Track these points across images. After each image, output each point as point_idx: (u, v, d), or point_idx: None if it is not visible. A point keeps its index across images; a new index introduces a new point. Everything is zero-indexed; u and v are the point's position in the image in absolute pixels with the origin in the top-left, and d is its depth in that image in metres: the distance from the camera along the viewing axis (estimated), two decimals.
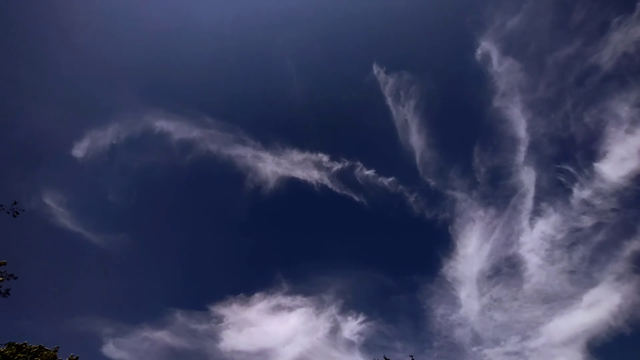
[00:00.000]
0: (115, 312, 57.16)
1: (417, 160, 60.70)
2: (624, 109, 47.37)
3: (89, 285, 58.52)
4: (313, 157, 61.89)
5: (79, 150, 55.73)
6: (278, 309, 57.63)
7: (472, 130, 60.94)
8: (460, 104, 61.54)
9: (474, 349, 50.89)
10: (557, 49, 51.70)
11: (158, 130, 59.48)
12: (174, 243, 64.91)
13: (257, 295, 58.24)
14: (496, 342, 50.43)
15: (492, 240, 55.46)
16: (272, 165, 62.02)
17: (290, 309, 57.70)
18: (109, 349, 50.59)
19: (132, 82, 61.30)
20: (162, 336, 53.76)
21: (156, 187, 63.06)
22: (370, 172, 61.15)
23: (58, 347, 21.55)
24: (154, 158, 61.52)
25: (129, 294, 61.09)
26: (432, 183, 60.39)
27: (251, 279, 66.25)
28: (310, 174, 62.38)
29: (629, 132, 47.06)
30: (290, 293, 59.94)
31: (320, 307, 58.22)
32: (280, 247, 68.89)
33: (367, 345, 53.96)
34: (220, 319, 55.31)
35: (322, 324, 56.06)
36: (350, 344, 54.61)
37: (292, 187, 64.84)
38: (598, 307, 46.59)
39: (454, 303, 56.11)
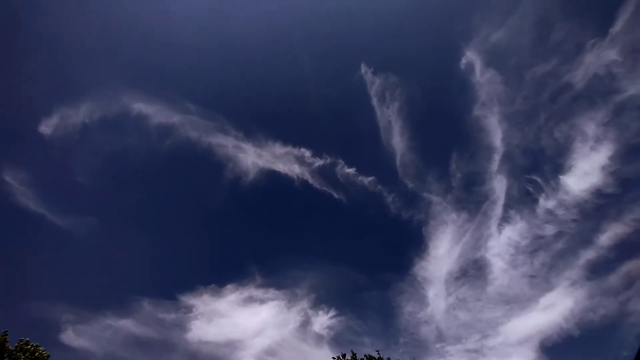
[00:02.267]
0: (77, 299, 54.78)
1: (397, 161, 61.89)
2: (590, 127, 50.40)
3: (49, 269, 55.74)
4: (295, 151, 61.64)
5: (47, 127, 52.51)
6: (250, 301, 57.35)
7: (451, 136, 62.85)
8: (442, 110, 63.20)
9: (437, 345, 53.06)
10: (535, 65, 54.06)
11: (136, 113, 57.05)
12: (145, 230, 62.87)
13: (229, 286, 57.64)
14: (458, 339, 52.79)
15: (462, 243, 57.71)
16: (253, 157, 61.23)
17: (262, 301, 57.57)
18: (67, 336, 48.49)
19: (110, 61, 58.42)
20: (127, 324, 52.18)
21: (130, 171, 60.69)
22: (351, 171, 61.74)
23: (7, 331, 20.45)
24: (129, 141, 59.06)
25: (93, 280, 58.68)
26: (410, 185, 61.85)
27: (224, 270, 65.43)
28: (291, 168, 62.15)
29: (593, 149, 50.17)
30: (263, 286, 59.80)
31: (292, 300, 58.49)
32: (256, 239, 68.40)
33: (336, 340, 54.90)
34: (189, 309, 54.32)
35: (293, 318, 56.39)
36: (319, 338, 55.36)
37: (273, 180, 64.37)
38: (552, 310, 49.77)
39: (422, 302, 58.13)
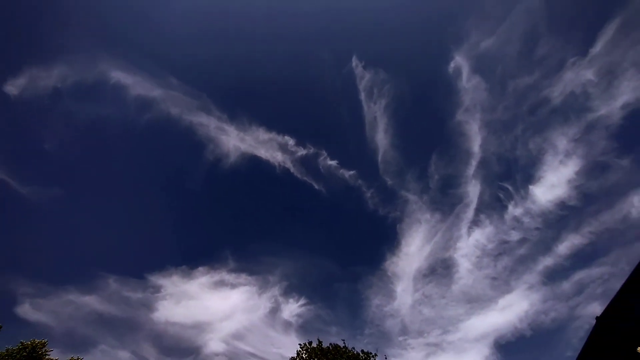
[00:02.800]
0: (37, 271, 52.51)
1: (379, 158, 62.81)
2: (562, 142, 53.21)
3: (8, 239, 52.78)
4: (279, 138, 61.02)
5: (14, 87, 49.00)
6: (221, 284, 57.10)
7: (433, 138, 64.33)
8: (427, 111, 64.39)
9: (400, 338, 55.39)
10: (519, 77, 55.98)
11: (114, 82, 54.24)
12: (115, 204, 60.59)
13: (200, 269, 57.06)
14: (420, 333, 55.33)
15: (433, 242, 59.93)
16: (236, 140, 60.05)
17: (234, 285, 57.49)
18: (23, 309, 46.56)
19: (89, 22, 54.79)
20: (90, 301, 50.67)
21: (103, 142, 57.94)
22: (333, 163, 62.04)
23: None
24: (104, 111, 56.22)
25: (55, 253, 56.27)
26: (390, 182, 63.10)
27: (197, 251, 64.61)
28: (274, 155, 61.56)
29: (562, 162, 53.06)
30: (236, 270, 59.64)
31: (264, 286, 58.80)
32: (232, 223, 67.75)
33: (304, 327, 55.96)
34: (157, 288, 53.38)
35: (264, 304, 56.83)
36: (287, 325, 56.20)
37: (254, 165, 63.60)
38: (509, 310, 53.12)
39: (390, 296, 60.20)
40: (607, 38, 47.35)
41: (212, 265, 60.38)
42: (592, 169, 52.28)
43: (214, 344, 51.86)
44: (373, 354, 21.82)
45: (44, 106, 52.10)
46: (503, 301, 54.71)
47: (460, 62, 56.48)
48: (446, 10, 56.92)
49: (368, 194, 63.79)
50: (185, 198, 63.85)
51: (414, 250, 60.87)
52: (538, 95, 54.54)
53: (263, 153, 61.32)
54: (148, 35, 56.87)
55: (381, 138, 62.22)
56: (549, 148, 53.92)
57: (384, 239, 69.28)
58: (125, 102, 55.58)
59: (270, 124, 62.29)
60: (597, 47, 48.44)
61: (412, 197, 61.96)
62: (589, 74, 49.68)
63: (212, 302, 56.62)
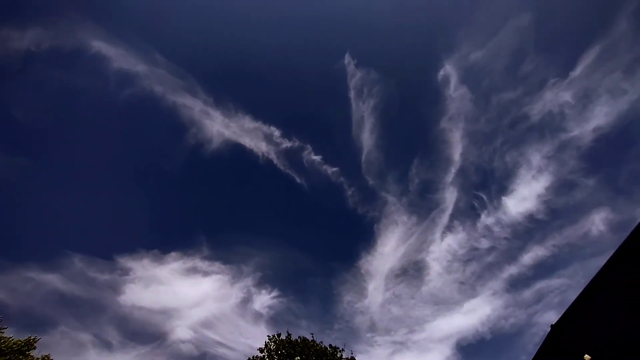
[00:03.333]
0: None
1: (363, 157, 63.43)
2: (536, 158, 55.77)
3: None
4: (265, 128, 60.25)
5: None
6: (193, 271, 56.13)
7: (417, 142, 65.62)
8: (413, 116, 65.48)
9: (368, 335, 56.78)
10: (502, 91, 57.94)
11: (94, 51, 51.39)
12: (87, 181, 57.90)
13: (173, 254, 55.81)
14: (388, 331, 56.95)
15: (408, 244, 61.53)
16: (220, 126, 58.73)
17: (206, 273, 56.67)
18: None
19: None
20: (52, 279, 48.42)
21: (78, 114, 54.97)
22: (317, 158, 62.06)
23: None
24: (81, 81, 53.24)
25: (18, 226, 53.16)
26: (371, 182, 63.95)
27: (170, 236, 63.00)
28: (258, 145, 60.76)
29: (534, 178, 55.66)
30: (210, 258, 58.80)
31: (237, 276, 58.35)
32: (210, 210, 66.55)
33: (274, 319, 56.12)
34: (126, 271, 51.76)
35: (236, 293, 56.43)
36: (258, 316, 56.15)
37: (237, 153, 62.56)
38: (473, 314, 55.64)
39: (362, 293, 61.48)
40: (587, 63, 49.87)
41: (185, 251, 59.29)
42: (561, 186, 55.34)
43: (181, 330, 51.10)
44: (340, 349, 22.21)
45: (14, 69, 48.72)
46: (468, 305, 57.32)
47: (449, 71, 57.81)
48: (441, 19, 57.92)
49: (349, 192, 64.47)
50: (162, 180, 62.01)
51: (388, 250, 62.33)
52: (519, 111, 56.80)
53: (247, 142, 60.45)
54: (137, 7, 54.24)
55: (366, 138, 62.84)
56: (524, 162, 56.50)
57: (360, 237, 70.45)
58: (105, 75, 52.94)
59: (257, 113, 61.40)
60: (577, 71, 50.95)
61: (391, 198, 63.23)
62: (567, 96, 52.25)
63: (183, 289, 55.65)
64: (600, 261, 14.88)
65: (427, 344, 54.78)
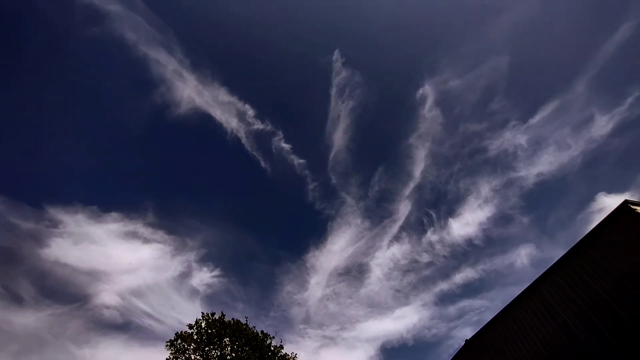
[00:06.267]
0: None
1: (332, 155, 64.01)
2: (485, 189, 60.59)
3: None
4: (239, 105, 58.01)
5: None
6: (133, 236, 52.73)
7: (384, 152, 67.83)
8: (386, 126, 67.43)
9: (301, 326, 58.03)
10: (469, 122, 61.87)
11: None
12: (27, 116, 51.41)
13: (114, 214, 51.84)
14: (320, 325, 58.70)
15: (356, 246, 63.64)
16: (192, 91, 55.40)
17: (147, 240, 53.56)
18: None
19: None
20: None
21: (28, 43, 48.41)
22: (286, 146, 61.32)
23: None
24: (39, 7, 46.93)
25: None
26: (334, 180, 64.86)
27: (114, 194, 58.41)
28: (228, 120, 58.43)
29: (480, 207, 60.46)
30: (154, 225, 55.65)
31: (180, 249, 56.00)
32: (164, 176, 62.87)
33: (210, 298, 54.94)
34: (55, 223, 47.09)
35: (175, 266, 54.14)
36: (194, 292, 54.56)
37: (204, 123, 59.55)
38: (401, 321, 59.42)
39: (303, 286, 62.52)
40: (545, 114, 54.91)
41: (128, 213, 55.25)
42: (500, 218, 60.84)
43: (107, 295, 47.84)
44: (271, 336, 22.53)
45: None
46: (399, 311, 61.10)
47: (427, 91, 60.26)
48: (432, 42, 60.06)
49: (311, 186, 64.77)
50: (117, 134, 56.96)
51: (337, 248, 64.01)
52: (479, 144, 61.08)
53: (218, 114, 57.78)
54: None
55: (339, 137, 63.49)
56: (474, 191, 61.09)
57: (313, 232, 71.34)
58: (70, 6, 47.08)
59: (234, 88, 58.86)
60: (536, 119, 55.91)
61: (350, 200, 64.79)
62: (522, 139, 57.20)
63: (118, 252, 52.04)
64: (517, 290, 16.76)
65: (355, 342, 57.54)
